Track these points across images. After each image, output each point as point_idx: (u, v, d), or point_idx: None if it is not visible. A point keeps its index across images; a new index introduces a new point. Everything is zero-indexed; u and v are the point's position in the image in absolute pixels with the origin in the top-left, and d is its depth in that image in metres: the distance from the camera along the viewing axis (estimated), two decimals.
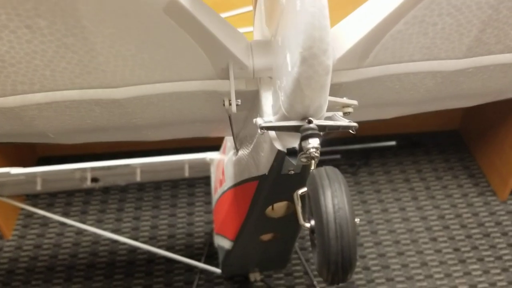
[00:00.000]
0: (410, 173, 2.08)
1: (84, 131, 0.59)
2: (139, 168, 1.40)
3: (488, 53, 0.53)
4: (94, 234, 1.75)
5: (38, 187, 1.40)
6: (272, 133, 0.49)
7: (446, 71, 0.54)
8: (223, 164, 1.03)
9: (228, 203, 0.88)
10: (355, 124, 0.45)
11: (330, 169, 0.41)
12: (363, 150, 2.14)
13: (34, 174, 1.35)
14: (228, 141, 0.89)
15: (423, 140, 2.20)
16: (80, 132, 0.60)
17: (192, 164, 1.38)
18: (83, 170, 1.36)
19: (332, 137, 1.94)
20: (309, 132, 0.42)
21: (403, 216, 1.91)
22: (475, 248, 1.81)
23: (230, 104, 0.48)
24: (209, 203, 1.96)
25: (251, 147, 0.60)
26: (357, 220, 0.41)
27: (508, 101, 1.84)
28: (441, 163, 2.12)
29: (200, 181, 2.02)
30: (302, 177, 0.59)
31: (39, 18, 0.40)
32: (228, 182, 0.85)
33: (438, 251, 1.80)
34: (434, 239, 1.84)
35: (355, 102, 0.46)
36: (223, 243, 1.08)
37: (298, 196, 0.44)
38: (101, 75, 0.47)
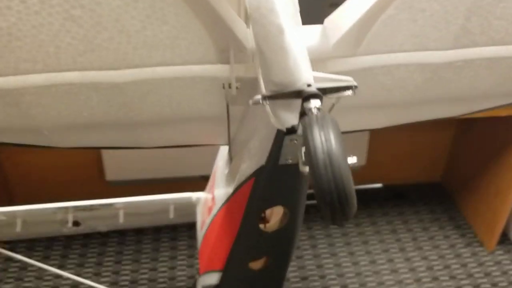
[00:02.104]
0: (396, 224, 2.07)
1: (79, 127, 0.58)
2: (122, 209, 1.36)
3: (474, 44, 0.55)
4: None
5: (18, 229, 1.34)
6: (270, 113, 0.49)
7: (435, 63, 0.55)
8: (210, 200, 1.02)
9: (217, 226, 0.85)
10: (354, 83, 0.45)
11: (319, 113, 0.41)
12: None
13: (13, 214, 1.31)
14: (220, 161, 0.87)
15: (408, 192, 2.21)
16: (75, 129, 0.58)
17: (178, 205, 1.35)
18: (65, 210, 1.31)
19: None
20: (310, 92, 0.42)
21: (392, 268, 1.88)
22: None
23: (230, 87, 0.49)
24: (192, 256, 1.90)
25: (248, 142, 0.60)
26: (353, 159, 0.40)
27: (488, 151, 1.88)
28: (427, 214, 2.12)
29: (183, 234, 1.97)
30: (298, 171, 0.58)
31: None
32: (219, 202, 0.83)
33: None
34: None
35: (349, 78, 0.46)
36: (210, 280, 1.04)
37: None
38: (103, 54, 0.46)
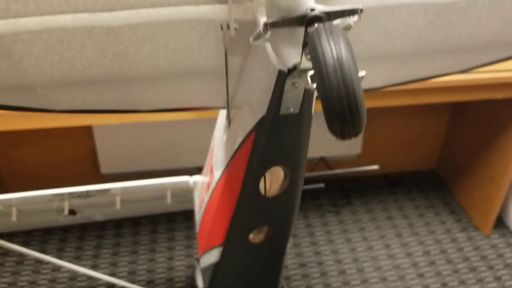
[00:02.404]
0: (392, 211, 2.07)
1: (74, 83, 0.57)
2: (119, 195, 1.35)
3: None
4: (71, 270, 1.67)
5: (13, 218, 1.33)
6: (271, 51, 0.49)
7: (438, 2, 0.55)
8: (207, 179, 1.01)
9: (217, 197, 0.85)
10: (360, 6, 0.45)
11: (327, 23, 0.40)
12: (344, 189, 2.14)
13: (9, 202, 1.30)
14: (217, 131, 0.86)
15: (403, 180, 2.22)
16: (70, 85, 0.57)
17: (175, 190, 1.35)
18: (61, 197, 1.30)
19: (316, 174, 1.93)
20: (314, 15, 0.41)
21: (389, 253, 1.88)
22: (462, 282, 1.78)
23: (228, 28, 0.48)
24: (190, 246, 1.90)
25: (248, 97, 0.59)
26: (362, 73, 0.40)
27: (482, 136, 1.89)
28: (422, 200, 2.13)
29: (180, 224, 1.97)
30: (300, 121, 0.58)
31: None
32: (218, 172, 0.83)
33: (426, 286, 1.76)
34: (421, 275, 1.80)
35: (359, 6, 0.45)
36: (209, 259, 1.03)
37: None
38: None
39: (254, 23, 0.48)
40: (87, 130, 1.91)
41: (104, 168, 2.01)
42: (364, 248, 1.90)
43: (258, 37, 0.47)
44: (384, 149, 2.20)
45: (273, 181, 0.74)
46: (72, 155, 2.00)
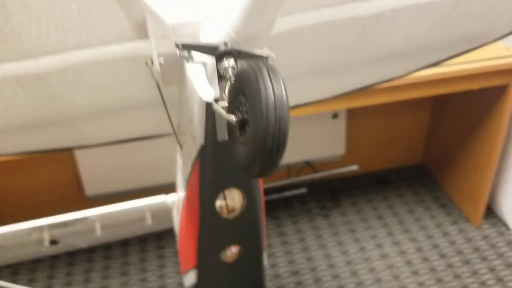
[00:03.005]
0: (381, 210, 2.06)
1: (16, 129, 0.56)
2: (98, 221, 1.34)
3: None
4: None
5: None
6: (195, 83, 0.48)
7: (363, 16, 0.54)
8: (179, 200, 1.00)
9: (183, 220, 0.84)
10: (270, 53, 0.44)
11: (258, 62, 0.39)
12: (332, 191, 2.13)
13: None
14: (177, 154, 0.86)
15: (390, 177, 2.21)
16: (12, 131, 0.56)
17: (154, 211, 1.33)
18: (39, 229, 1.29)
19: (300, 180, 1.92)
20: (224, 50, 0.41)
21: (381, 253, 1.87)
22: (457, 276, 1.76)
23: (152, 63, 0.47)
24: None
25: (189, 125, 0.58)
26: None
27: (464, 127, 1.88)
28: (411, 196, 2.12)
29: (169, 241, 1.95)
30: None
31: None
32: (181, 195, 0.82)
33: (421, 284, 1.75)
34: (415, 273, 1.79)
35: (269, 52, 0.45)
36: (189, 280, 1.02)
37: (225, 91, 0.42)
38: (17, 41, 0.45)
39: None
40: (69, 155, 1.89)
41: (89, 190, 1.99)
42: (356, 250, 1.89)
43: (181, 53, 0.46)
44: (368, 147, 2.19)
45: (237, 201, 0.73)
46: (56, 179, 1.98)
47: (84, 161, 1.92)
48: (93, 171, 1.96)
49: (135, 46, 0.48)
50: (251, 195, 0.69)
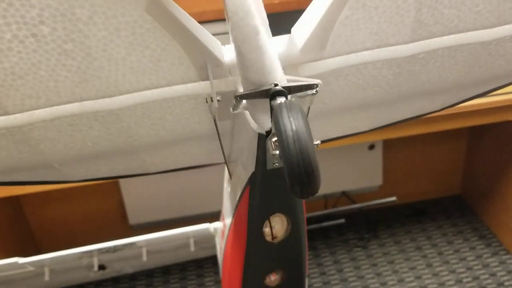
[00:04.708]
0: (420, 241, 2.05)
1: (86, 158, 0.63)
2: (145, 247, 1.40)
3: (431, 35, 0.57)
4: None
5: (46, 278, 1.39)
6: (249, 117, 0.53)
7: (399, 57, 0.58)
8: (222, 225, 1.05)
9: (229, 245, 0.88)
10: (318, 80, 0.49)
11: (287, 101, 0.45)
12: (369, 222, 2.14)
13: (41, 263, 1.36)
14: (225, 183, 0.91)
15: (428, 208, 2.21)
16: (83, 160, 0.63)
17: (197, 238, 1.39)
18: (90, 254, 1.36)
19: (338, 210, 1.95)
20: (276, 90, 0.46)
21: (420, 285, 1.86)
22: None
23: (212, 101, 0.53)
24: None
25: (241, 154, 0.64)
26: (317, 142, 0.44)
27: (503, 157, 1.88)
28: (450, 227, 2.11)
29: (209, 270, 1.99)
30: None
31: (42, 25, 0.45)
32: (227, 222, 0.87)
33: None
34: None
35: (317, 80, 0.50)
36: None
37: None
38: (97, 83, 0.51)
39: (235, 92, 0.53)
40: (114, 184, 1.98)
41: (132, 219, 2.07)
42: (395, 282, 1.89)
43: (234, 107, 0.52)
44: (406, 178, 2.20)
45: (282, 226, 0.77)
46: (101, 208, 2.07)
47: (128, 191, 2.01)
48: (136, 201, 2.04)
49: (197, 86, 0.54)
50: (295, 220, 0.73)
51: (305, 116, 0.42)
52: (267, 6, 0.53)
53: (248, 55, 0.47)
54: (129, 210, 2.04)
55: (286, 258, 0.82)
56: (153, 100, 0.55)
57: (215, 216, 1.40)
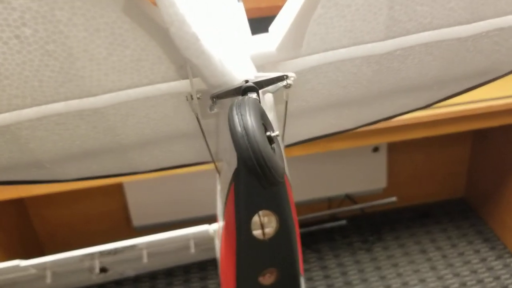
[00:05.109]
0: (424, 244, 2.04)
1: (75, 157, 0.64)
2: (145, 249, 1.41)
3: (406, 32, 0.57)
4: None
5: (48, 280, 1.40)
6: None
7: (376, 54, 0.58)
8: (219, 228, 1.06)
9: (223, 246, 0.89)
10: (290, 73, 0.50)
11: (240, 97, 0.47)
12: (374, 225, 2.13)
13: (43, 266, 1.37)
14: (216, 182, 0.92)
15: (432, 211, 2.20)
16: (72, 158, 0.64)
17: (197, 240, 1.40)
18: (91, 256, 1.37)
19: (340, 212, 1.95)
20: (247, 86, 0.48)
21: None
22: None
23: (192, 99, 0.54)
24: None
25: (225, 152, 0.64)
26: (275, 133, 0.45)
27: (507, 160, 1.87)
28: (454, 230, 2.10)
29: (212, 272, 2.00)
30: None
31: (24, 27, 0.47)
32: (220, 221, 0.87)
33: None
34: None
35: (291, 73, 0.50)
36: None
37: None
38: (80, 82, 0.52)
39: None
40: (118, 186, 2.00)
41: (136, 221, 2.08)
42: (399, 285, 1.88)
43: (211, 107, 0.53)
44: (410, 181, 2.20)
45: (269, 222, 0.78)
46: (105, 211, 2.08)
47: (132, 194, 2.02)
48: (140, 203, 2.05)
49: (178, 84, 0.55)
50: (283, 217, 0.73)
51: (257, 110, 0.44)
52: (254, 10, 0.54)
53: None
54: (133, 212, 2.06)
55: (277, 255, 0.82)
56: (136, 99, 0.56)
57: (215, 219, 1.41)
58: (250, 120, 0.42)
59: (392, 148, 2.10)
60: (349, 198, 2.14)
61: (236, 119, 0.43)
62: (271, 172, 0.43)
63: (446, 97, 0.73)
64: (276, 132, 0.46)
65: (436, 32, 0.58)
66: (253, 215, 0.70)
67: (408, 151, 2.13)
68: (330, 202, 2.14)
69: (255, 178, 0.43)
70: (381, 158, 2.11)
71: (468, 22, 0.58)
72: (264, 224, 0.74)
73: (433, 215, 2.18)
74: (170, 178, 1.96)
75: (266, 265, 0.84)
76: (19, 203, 1.94)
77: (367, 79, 0.61)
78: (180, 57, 0.52)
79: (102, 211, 2.07)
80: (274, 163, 0.43)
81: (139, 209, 2.05)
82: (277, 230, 0.75)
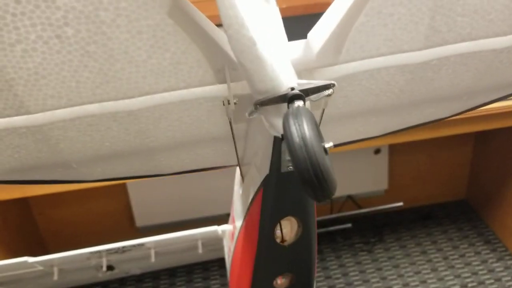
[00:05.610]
0: (426, 245, 2.06)
1: (103, 158, 0.64)
2: (153, 248, 1.41)
3: (444, 42, 0.57)
4: None
5: (55, 277, 1.40)
6: (265, 121, 0.54)
7: (412, 64, 0.58)
8: (232, 227, 1.06)
9: (240, 247, 0.89)
10: (333, 82, 0.50)
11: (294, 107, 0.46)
12: (375, 226, 2.15)
13: (51, 263, 1.37)
14: (236, 185, 0.92)
15: (434, 212, 2.22)
16: (100, 159, 0.64)
17: (205, 240, 1.40)
18: (98, 254, 1.37)
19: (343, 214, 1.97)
20: (294, 93, 0.47)
21: None
22: None
23: (229, 103, 0.54)
24: None
25: (254, 157, 0.65)
26: (329, 144, 0.45)
27: (509, 162, 1.88)
28: (455, 232, 2.11)
29: (215, 273, 2.00)
30: None
31: (67, 26, 0.47)
32: (238, 224, 0.88)
33: None
34: None
35: (332, 81, 0.50)
36: None
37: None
38: (118, 84, 0.52)
39: (252, 96, 0.55)
40: (122, 186, 2.00)
41: (139, 222, 2.08)
42: (401, 286, 1.89)
43: (252, 113, 0.53)
44: (411, 182, 2.21)
45: (291, 229, 0.78)
46: (108, 211, 2.08)
47: (135, 193, 2.02)
48: (143, 203, 2.05)
49: (214, 89, 0.55)
50: (307, 223, 0.74)
51: (313, 121, 0.43)
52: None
53: (248, 65, 0.48)
54: (136, 212, 2.06)
55: (296, 260, 0.83)
56: (171, 102, 0.56)
57: (220, 219, 1.41)
58: (308, 131, 0.42)
59: (394, 150, 2.11)
60: (351, 200, 2.15)
61: (294, 129, 0.42)
62: (327, 185, 0.42)
63: (472, 107, 0.73)
64: (330, 143, 0.46)
65: (473, 43, 0.59)
66: (278, 221, 0.71)
67: (410, 153, 2.14)
68: (332, 203, 2.15)
69: (310, 190, 0.42)
70: (383, 159, 2.12)
71: (505, 34, 0.59)
72: (284, 230, 0.74)
73: (435, 216, 2.20)
74: (173, 179, 1.95)
75: (284, 270, 0.85)
76: (23, 203, 1.94)
77: (400, 88, 0.62)
78: (219, 61, 0.52)
79: (105, 211, 2.07)
80: (331, 175, 0.43)
81: (142, 209, 2.05)
82: (299, 236, 0.75)
